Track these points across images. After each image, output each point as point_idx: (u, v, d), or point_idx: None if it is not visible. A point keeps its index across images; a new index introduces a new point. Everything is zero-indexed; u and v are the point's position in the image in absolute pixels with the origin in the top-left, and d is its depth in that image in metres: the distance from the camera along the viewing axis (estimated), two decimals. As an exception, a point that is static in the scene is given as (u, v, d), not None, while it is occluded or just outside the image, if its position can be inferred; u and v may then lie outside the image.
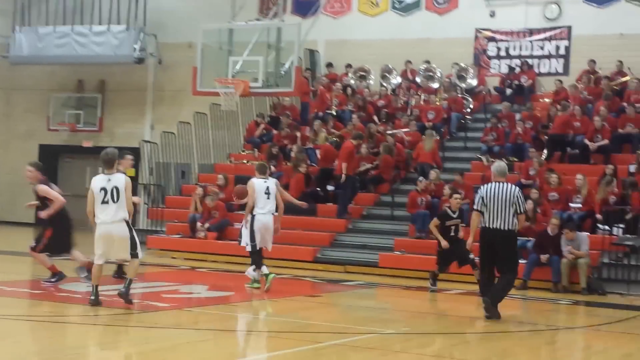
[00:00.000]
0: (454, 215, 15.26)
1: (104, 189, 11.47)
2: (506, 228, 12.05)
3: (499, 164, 12.74)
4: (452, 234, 15.29)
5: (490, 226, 12.07)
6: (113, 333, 10.28)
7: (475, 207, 12.27)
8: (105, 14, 27.38)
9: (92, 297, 11.60)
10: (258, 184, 14.38)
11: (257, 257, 14.53)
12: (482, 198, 12.15)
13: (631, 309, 14.79)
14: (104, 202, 11.47)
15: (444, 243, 15.33)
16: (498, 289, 12.29)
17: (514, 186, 12.43)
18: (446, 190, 19.03)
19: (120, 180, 11.54)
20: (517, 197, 12.14)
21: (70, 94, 29.13)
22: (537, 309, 13.39)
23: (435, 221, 15.56)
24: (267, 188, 14.34)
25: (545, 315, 13.87)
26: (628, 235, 17.25)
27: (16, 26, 28.21)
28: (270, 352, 9.86)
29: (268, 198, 14.31)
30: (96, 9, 27.74)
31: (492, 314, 12.11)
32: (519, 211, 12.12)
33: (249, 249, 14.55)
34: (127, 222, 11.66)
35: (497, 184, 12.22)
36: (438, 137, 21.56)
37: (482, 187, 12.41)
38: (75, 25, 27.78)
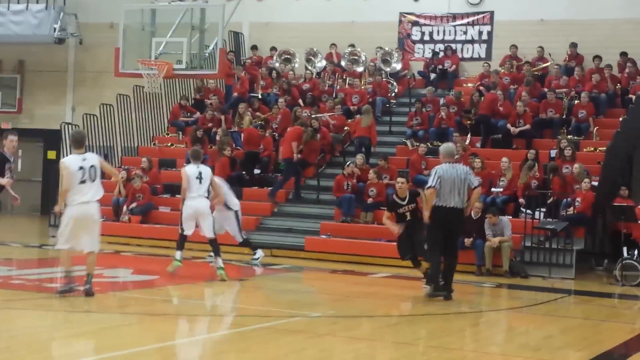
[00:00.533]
0: (404, 203, 13.85)
1: (82, 169, 11.08)
2: (460, 207, 12.52)
3: (447, 145, 13.31)
4: (409, 218, 13.78)
5: (447, 205, 12.43)
6: (36, 318, 10.09)
7: (432, 184, 12.50)
8: (25, -7, 26.77)
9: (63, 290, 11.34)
10: (190, 169, 14.27)
11: (181, 240, 14.50)
12: (440, 177, 12.42)
13: (552, 292, 15.09)
14: (81, 182, 11.08)
15: (395, 229, 13.96)
16: (450, 275, 12.80)
17: (463, 165, 13.15)
18: (371, 174, 19.16)
19: (95, 159, 11.31)
20: (468, 173, 12.71)
21: (-13, 73, 28.49)
22: (461, 291, 13.55)
23: (386, 213, 14.08)
24: (200, 173, 14.20)
25: (469, 298, 14.05)
26: (549, 220, 17.56)
27: None
28: (196, 336, 9.81)
29: (200, 183, 14.17)
30: (15, -13, 27.12)
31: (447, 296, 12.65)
32: (473, 186, 12.65)
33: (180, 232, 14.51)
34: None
35: (449, 164, 12.66)
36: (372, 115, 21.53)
37: (436, 167, 12.70)
38: (-7, 4, 27.13)
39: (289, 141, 20.11)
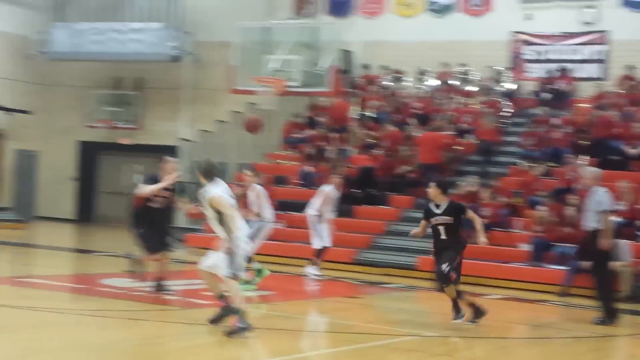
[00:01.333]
0: (438, 211, 11.75)
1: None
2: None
3: (595, 169, 13.61)
4: (443, 236, 11.79)
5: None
6: (155, 328, 10.33)
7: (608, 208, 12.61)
8: (143, 11, 27.54)
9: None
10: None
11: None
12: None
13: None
14: None
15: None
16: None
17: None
18: (485, 194, 18.98)
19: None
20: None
21: (108, 91, 29.31)
22: (579, 316, 13.29)
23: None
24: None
25: (588, 323, 13.76)
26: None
27: (54, 22, 28.40)
28: (312, 352, 9.88)
29: None
30: (134, 6, 27.91)
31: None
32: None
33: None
34: None
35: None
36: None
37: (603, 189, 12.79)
38: (112, 22, 27.93)
39: (431, 147, 20.09)
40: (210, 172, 10.26)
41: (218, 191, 10.00)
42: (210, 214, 9.94)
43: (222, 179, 10.33)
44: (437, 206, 11.80)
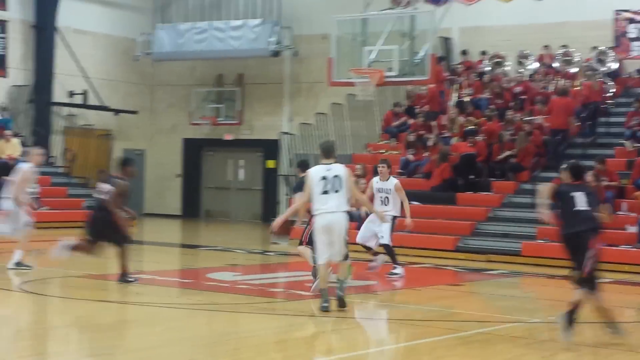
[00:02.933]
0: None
1: (324, 178, 10.82)
2: None
3: None
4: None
5: None
6: (261, 321, 10.46)
7: None
8: (242, 9, 27.86)
9: (325, 304, 10.71)
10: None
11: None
12: None
13: None
14: (324, 192, 10.80)
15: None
16: None
17: None
18: (589, 177, 18.54)
19: (340, 169, 10.94)
20: None
21: (211, 88, 29.77)
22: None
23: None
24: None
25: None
26: None
27: (157, 24, 28.98)
28: (416, 340, 9.84)
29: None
30: (233, 4, 28.27)
31: None
32: None
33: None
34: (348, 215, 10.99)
35: None
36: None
37: None
38: (213, 20, 28.33)
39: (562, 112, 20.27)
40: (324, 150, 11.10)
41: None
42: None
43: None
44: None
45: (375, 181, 14.74)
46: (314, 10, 27.43)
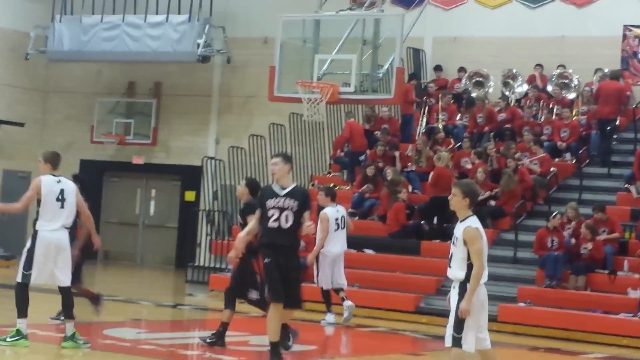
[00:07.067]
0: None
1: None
2: None
3: None
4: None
5: None
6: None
7: None
8: (163, 2, 27.81)
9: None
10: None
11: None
12: None
13: None
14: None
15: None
16: None
17: None
18: (583, 229, 18.84)
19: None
20: None
21: (119, 98, 29.65)
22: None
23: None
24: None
25: None
26: None
27: (56, 15, 28.80)
28: None
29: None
30: (152, -5, 28.26)
31: None
32: None
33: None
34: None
35: None
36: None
37: None
38: (126, 14, 28.26)
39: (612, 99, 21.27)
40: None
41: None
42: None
43: None
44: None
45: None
46: (253, 9, 27.52)
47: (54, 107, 30.42)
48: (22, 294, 12.44)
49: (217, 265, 22.74)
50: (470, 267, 9.67)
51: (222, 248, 22.78)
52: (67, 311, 12.72)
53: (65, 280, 12.54)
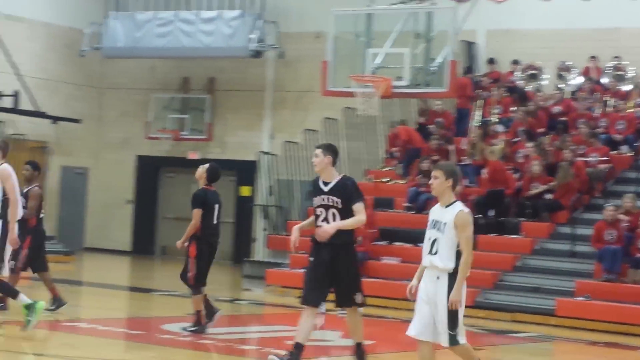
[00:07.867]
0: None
1: None
2: None
3: None
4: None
5: None
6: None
7: None
8: (217, -3, 27.98)
9: None
10: None
11: None
12: None
13: None
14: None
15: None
16: None
17: None
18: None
19: None
20: None
21: (174, 94, 29.79)
22: None
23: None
24: None
25: None
26: None
27: (110, 12, 29.01)
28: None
29: None
30: (205, -9, 28.38)
31: None
32: None
33: None
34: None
35: None
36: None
37: None
38: (179, 10, 28.40)
39: None
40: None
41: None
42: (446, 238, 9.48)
43: None
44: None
45: None
46: (305, 3, 27.54)
47: (109, 103, 30.62)
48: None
49: (274, 260, 22.79)
50: (459, 255, 9.35)
51: (278, 243, 22.83)
52: None
53: None
